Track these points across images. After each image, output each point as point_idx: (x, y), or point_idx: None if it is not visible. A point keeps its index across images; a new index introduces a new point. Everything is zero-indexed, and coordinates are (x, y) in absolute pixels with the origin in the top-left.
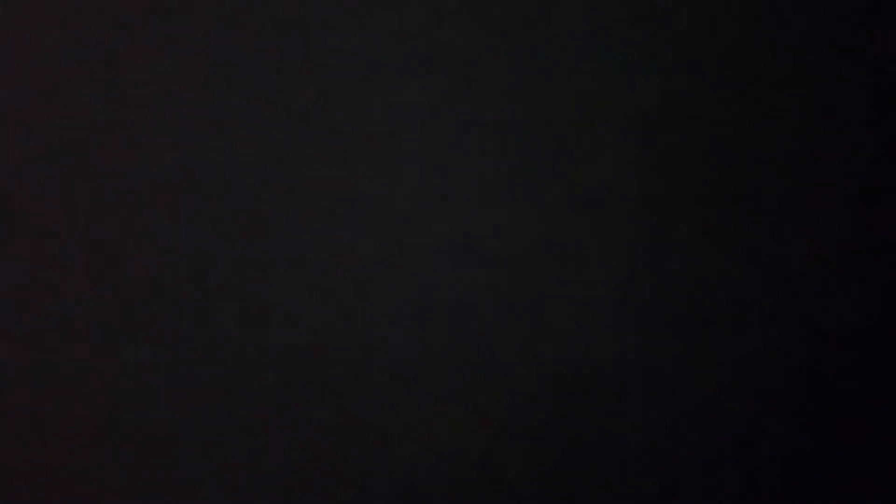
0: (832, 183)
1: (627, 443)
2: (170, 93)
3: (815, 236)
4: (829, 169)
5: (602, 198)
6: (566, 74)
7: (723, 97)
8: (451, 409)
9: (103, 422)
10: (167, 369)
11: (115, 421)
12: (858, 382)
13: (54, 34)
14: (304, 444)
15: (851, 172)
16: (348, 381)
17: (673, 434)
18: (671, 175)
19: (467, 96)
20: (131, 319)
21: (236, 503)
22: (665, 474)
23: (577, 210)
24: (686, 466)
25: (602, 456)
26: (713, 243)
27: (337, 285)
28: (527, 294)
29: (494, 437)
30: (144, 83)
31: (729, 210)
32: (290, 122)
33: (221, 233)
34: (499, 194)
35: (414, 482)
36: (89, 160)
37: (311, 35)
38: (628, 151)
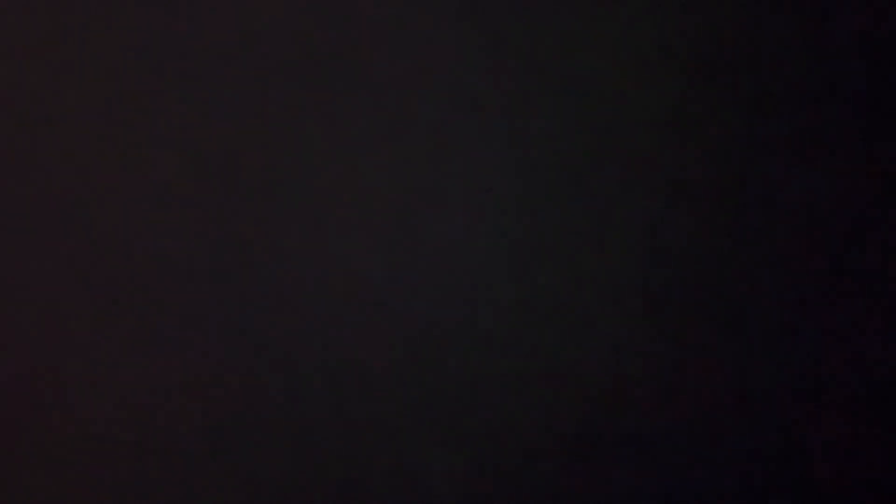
0: (832, 183)
1: (637, 450)
2: (169, 94)
3: (815, 236)
4: (830, 169)
5: (607, 203)
6: (570, 78)
7: (724, 98)
8: (453, 415)
9: (102, 427)
10: (165, 373)
11: (114, 424)
12: (858, 381)
13: (54, 33)
14: (306, 452)
15: (851, 172)
16: (350, 389)
17: (682, 437)
18: (674, 178)
19: (470, 103)
20: (128, 324)
21: None
22: (673, 478)
23: (581, 212)
24: (696, 471)
25: (611, 465)
26: (721, 245)
27: (341, 292)
28: (533, 299)
29: (499, 443)
30: (143, 84)
31: (736, 212)
32: (290, 126)
33: (221, 237)
34: (503, 199)
35: (417, 487)
36: (90, 161)
37: (311, 36)
38: (630, 153)
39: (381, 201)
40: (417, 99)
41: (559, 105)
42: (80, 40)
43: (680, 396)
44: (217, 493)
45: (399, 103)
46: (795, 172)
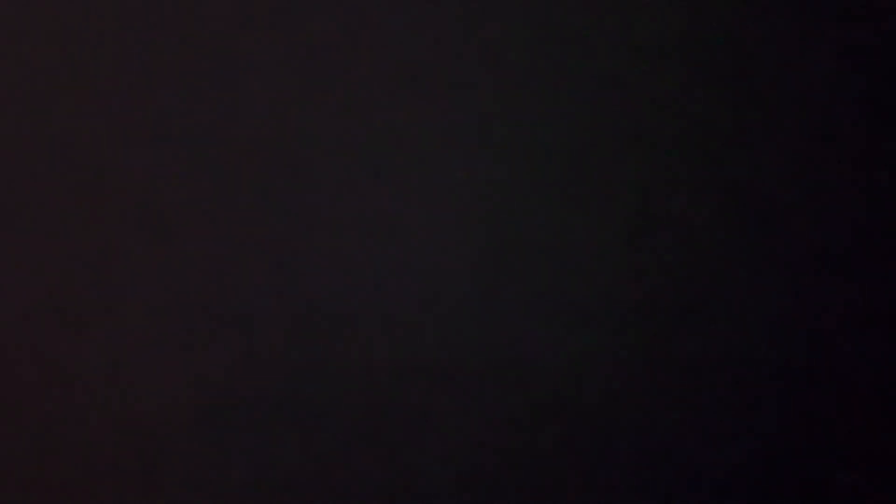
0: (831, 183)
1: (621, 445)
2: (169, 93)
3: (813, 236)
4: (827, 168)
5: (596, 200)
6: (561, 76)
7: (718, 95)
8: (452, 414)
9: (106, 425)
10: (166, 372)
11: (114, 424)
12: (858, 382)
13: (56, 33)
14: (304, 452)
15: (850, 172)
16: (350, 389)
17: (668, 436)
18: (667, 175)
19: (466, 103)
20: (129, 323)
21: None
22: (660, 476)
23: (581, 212)
24: (682, 467)
25: (595, 460)
26: (709, 242)
27: (341, 292)
28: (518, 295)
29: (500, 442)
30: (143, 83)
31: (727, 210)
32: (288, 126)
33: (221, 237)
34: (491, 196)
35: (417, 486)
36: (91, 160)
37: (311, 36)
38: (624, 150)
39: (380, 201)
40: (417, 99)
41: (558, 104)
42: (80, 40)
43: (678, 395)
44: (217, 493)
45: (397, 103)
46: (795, 172)
